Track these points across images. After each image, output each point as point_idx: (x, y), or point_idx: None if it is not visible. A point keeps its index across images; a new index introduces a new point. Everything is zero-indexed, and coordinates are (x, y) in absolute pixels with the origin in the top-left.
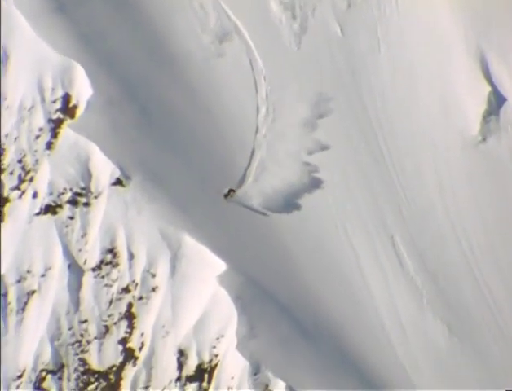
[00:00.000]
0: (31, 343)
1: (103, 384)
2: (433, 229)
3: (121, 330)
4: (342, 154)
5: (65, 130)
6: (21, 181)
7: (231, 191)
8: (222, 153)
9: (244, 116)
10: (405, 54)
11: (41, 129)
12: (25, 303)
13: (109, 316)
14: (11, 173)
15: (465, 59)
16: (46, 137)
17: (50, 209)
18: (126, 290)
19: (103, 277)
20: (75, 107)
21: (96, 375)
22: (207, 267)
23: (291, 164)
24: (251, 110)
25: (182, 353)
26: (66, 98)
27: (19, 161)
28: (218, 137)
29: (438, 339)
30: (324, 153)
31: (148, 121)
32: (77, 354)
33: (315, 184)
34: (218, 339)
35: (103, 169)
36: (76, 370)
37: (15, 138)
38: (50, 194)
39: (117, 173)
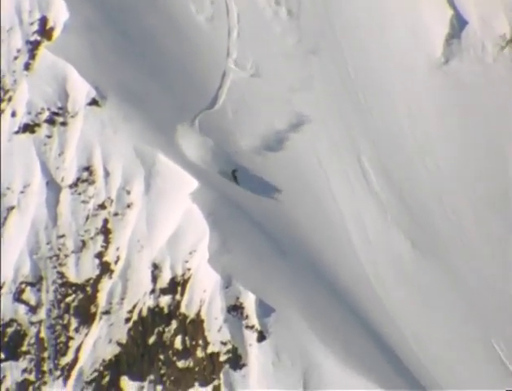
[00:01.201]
0: (11, 256)
1: (81, 295)
2: (399, 148)
3: (97, 244)
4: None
5: (43, 52)
6: (0, 100)
7: (234, 171)
8: (197, 76)
9: (219, 42)
10: None
11: (19, 51)
12: (5, 218)
13: (86, 231)
14: None
15: None
16: (24, 58)
17: (28, 128)
18: (102, 206)
19: (79, 194)
20: (52, 29)
21: (74, 288)
22: (181, 185)
23: (274, 101)
24: (225, 35)
25: (156, 267)
26: (43, 20)
27: None
28: (194, 61)
29: (402, 253)
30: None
31: (126, 45)
32: (55, 267)
33: (294, 116)
34: (190, 253)
35: (80, 90)
36: (54, 282)
37: None
38: (29, 113)
39: (93, 94)
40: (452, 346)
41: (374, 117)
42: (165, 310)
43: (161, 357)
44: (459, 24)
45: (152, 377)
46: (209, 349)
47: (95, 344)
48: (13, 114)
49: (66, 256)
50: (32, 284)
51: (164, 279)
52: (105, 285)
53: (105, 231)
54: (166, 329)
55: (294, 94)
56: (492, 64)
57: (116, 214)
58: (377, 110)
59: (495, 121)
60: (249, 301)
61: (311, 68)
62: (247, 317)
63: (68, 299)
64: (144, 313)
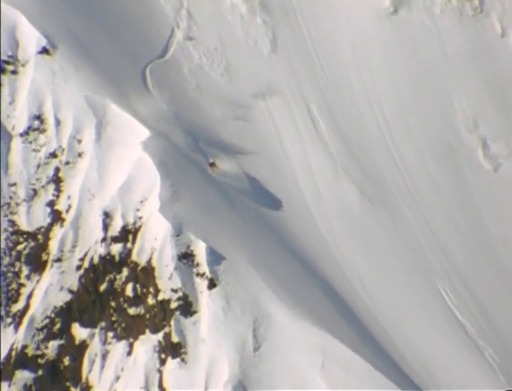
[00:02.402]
0: None
1: (32, 244)
2: (348, 98)
3: (48, 193)
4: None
5: None
6: None
7: (212, 164)
8: (148, 28)
9: None
10: None
11: None
12: None
13: (37, 180)
14: None
15: None
16: None
17: None
18: (54, 155)
19: (30, 142)
20: None
21: (25, 236)
22: (132, 134)
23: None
24: None
25: (107, 215)
26: None
27: None
28: (144, 13)
29: (351, 202)
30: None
31: None
32: (6, 216)
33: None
34: (142, 202)
35: (30, 38)
36: (5, 230)
37: None
38: None
39: (43, 42)
40: (399, 292)
41: (323, 69)
42: (117, 258)
43: (113, 304)
44: None
45: (103, 324)
46: (160, 297)
47: (47, 292)
48: None
49: (17, 204)
50: None
51: (115, 228)
52: (57, 233)
53: (56, 180)
54: (118, 277)
55: (250, 55)
56: (439, 15)
57: (67, 163)
58: (326, 61)
59: (442, 72)
60: (200, 249)
61: (263, 24)
62: (198, 265)
63: (20, 247)
64: (96, 260)
